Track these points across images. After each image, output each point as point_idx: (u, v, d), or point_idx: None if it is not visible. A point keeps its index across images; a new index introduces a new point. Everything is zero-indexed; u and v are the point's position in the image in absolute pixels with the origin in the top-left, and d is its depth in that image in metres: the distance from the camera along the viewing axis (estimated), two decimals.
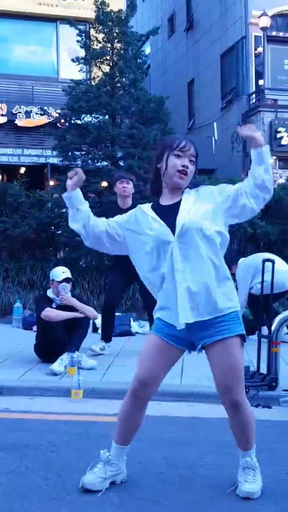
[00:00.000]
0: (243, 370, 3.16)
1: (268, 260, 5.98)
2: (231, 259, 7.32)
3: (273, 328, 5.42)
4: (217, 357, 3.09)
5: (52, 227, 10.12)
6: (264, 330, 5.78)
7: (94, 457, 3.69)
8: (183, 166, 3.09)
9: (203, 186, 3.21)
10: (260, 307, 6.22)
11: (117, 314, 7.23)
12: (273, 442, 4.18)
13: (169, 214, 3.09)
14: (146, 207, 3.23)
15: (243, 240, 9.87)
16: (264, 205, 3.13)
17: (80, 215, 3.20)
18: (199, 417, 4.74)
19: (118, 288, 6.81)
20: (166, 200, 3.18)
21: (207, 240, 3.04)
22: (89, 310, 6.29)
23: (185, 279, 3.01)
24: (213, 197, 3.13)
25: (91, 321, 6.65)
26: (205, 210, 3.09)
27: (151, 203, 3.27)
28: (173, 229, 3.05)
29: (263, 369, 5.47)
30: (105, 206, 7.27)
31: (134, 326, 8.39)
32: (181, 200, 3.14)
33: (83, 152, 10.87)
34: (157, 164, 3.18)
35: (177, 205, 3.11)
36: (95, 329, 7.92)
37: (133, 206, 6.08)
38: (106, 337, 6.75)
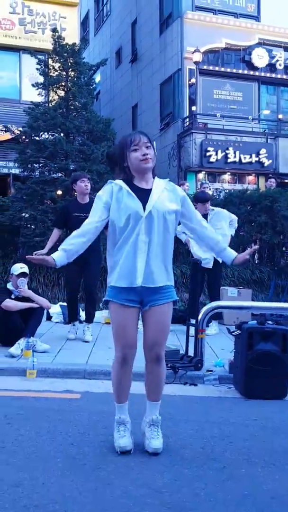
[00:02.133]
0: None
1: None
2: None
3: (199, 317, 5.49)
4: (157, 316, 3.25)
5: (13, 229, 9.95)
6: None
7: (43, 428, 3.68)
8: (143, 155, 3.17)
9: (171, 182, 3.38)
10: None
11: None
12: (195, 415, 4.25)
13: (142, 195, 3.17)
14: (121, 182, 3.24)
15: (176, 241, 9.91)
16: None
17: (76, 254, 3.25)
18: (134, 394, 4.74)
19: (75, 280, 6.73)
20: (138, 182, 3.23)
21: (166, 224, 3.19)
22: (43, 301, 6.23)
23: (145, 250, 3.13)
24: (178, 200, 3.28)
25: (45, 311, 6.58)
26: (170, 202, 3.24)
27: (121, 179, 3.27)
28: (144, 208, 3.14)
29: (191, 353, 5.55)
30: (65, 204, 7.17)
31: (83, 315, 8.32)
32: (152, 186, 3.24)
33: (40, 165, 10.72)
34: (124, 163, 3.24)
35: (149, 190, 3.21)
36: (48, 317, 7.85)
37: (91, 201, 6.05)
38: (73, 318, 6.85)
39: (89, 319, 6.79)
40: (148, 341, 3.27)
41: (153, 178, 3.30)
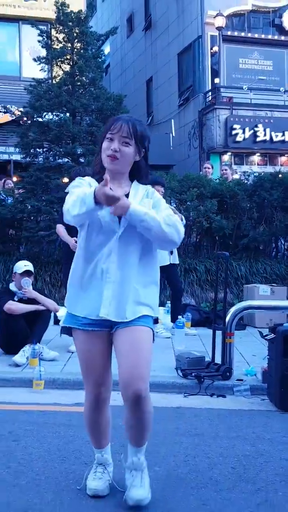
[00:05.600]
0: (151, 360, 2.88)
1: None
2: None
3: (227, 319, 5.47)
4: (131, 339, 2.81)
5: (15, 222, 10.01)
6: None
7: (54, 445, 3.71)
8: (112, 149, 2.73)
9: (155, 192, 2.95)
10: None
11: None
12: (224, 430, 4.24)
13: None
14: (90, 180, 2.87)
15: (199, 233, 9.93)
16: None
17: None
18: (155, 406, 4.74)
19: None
20: (111, 181, 2.68)
21: (144, 243, 2.83)
22: (50, 303, 6.26)
23: (115, 275, 2.78)
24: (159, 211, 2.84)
25: (52, 314, 6.61)
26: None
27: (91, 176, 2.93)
28: (119, 220, 2.77)
29: (218, 360, 5.51)
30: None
31: None
32: (129, 193, 2.85)
33: (44, 149, 10.77)
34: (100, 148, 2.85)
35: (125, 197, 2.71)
36: (56, 322, 7.88)
37: None
38: None
39: None
40: (122, 376, 2.77)
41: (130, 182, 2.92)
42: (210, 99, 17.78)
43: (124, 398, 2.77)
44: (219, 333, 5.57)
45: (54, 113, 10.69)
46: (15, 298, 6.10)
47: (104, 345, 2.89)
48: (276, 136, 17.19)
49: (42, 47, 11.55)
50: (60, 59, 11.11)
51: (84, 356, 2.94)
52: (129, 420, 2.86)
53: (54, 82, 11.41)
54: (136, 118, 2.88)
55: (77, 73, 10.89)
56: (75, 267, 2.90)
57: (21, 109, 11.43)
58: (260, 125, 17.08)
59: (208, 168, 11.86)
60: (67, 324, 2.91)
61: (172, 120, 19.65)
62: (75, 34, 10.99)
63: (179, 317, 7.30)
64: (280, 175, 10.27)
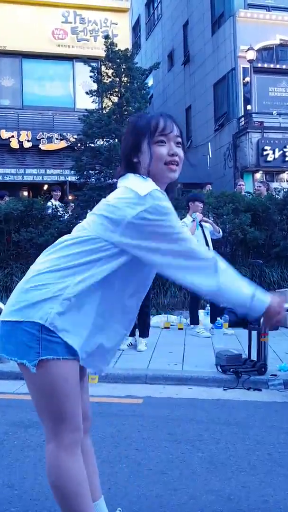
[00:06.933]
0: None
1: None
2: None
3: (261, 320, 5.40)
4: (85, 381, 2.26)
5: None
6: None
7: (107, 433, 3.71)
8: (172, 155, 1.94)
9: None
10: None
11: None
12: (260, 421, 4.18)
13: None
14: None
15: (235, 244, 9.85)
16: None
17: None
18: (198, 399, 4.73)
19: None
20: None
21: None
22: None
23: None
24: None
25: None
26: None
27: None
28: None
29: (254, 357, 5.46)
30: None
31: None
32: None
33: (96, 171, 10.89)
34: (133, 158, 1.98)
35: None
36: None
37: None
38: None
39: (143, 332, 6.60)
40: (86, 409, 2.19)
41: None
42: (243, 123, 17.66)
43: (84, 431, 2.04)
44: (254, 333, 5.52)
45: (104, 139, 10.81)
46: None
47: None
48: None
49: (94, 81, 11.72)
50: (109, 92, 11.24)
51: (76, 388, 1.94)
52: (92, 463, 2.18)
53: (104, 112, 11.53)
54: (167, 113, 2.09)
55: (125, 104, 10.99)
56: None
57: (76, 136, 11.57)
58: None
59: (242, 185, 11.77)
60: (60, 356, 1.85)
61: (209, 143, 19.57)
62: (122, 70, 11.11)
63: (218, 318, 7.25)
64: None
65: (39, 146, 16.36)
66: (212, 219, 8.64)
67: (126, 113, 11.05)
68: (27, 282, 1.92)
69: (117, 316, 1.96)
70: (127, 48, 11.78)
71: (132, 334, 6.64)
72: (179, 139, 2.00)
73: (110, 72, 11.25)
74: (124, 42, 15.18)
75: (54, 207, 10.13)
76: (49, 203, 10.25)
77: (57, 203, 10.58)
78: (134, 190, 1.84)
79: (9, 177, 16.23)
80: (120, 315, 1.97)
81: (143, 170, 1.94)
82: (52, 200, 10.56)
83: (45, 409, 1.93)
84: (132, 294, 1.98)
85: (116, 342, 2.01)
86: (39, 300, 1.86)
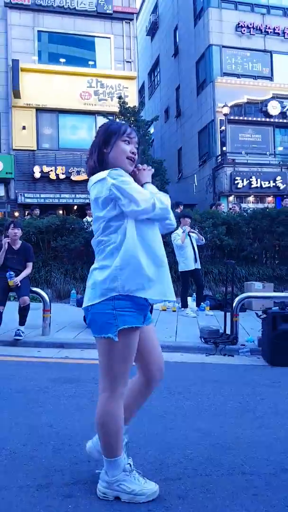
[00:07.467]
0: None
1: None
2: None
3: (234, 305, 5.39)
4: (153, 334, 2.12)
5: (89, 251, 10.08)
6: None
7: None
8: (132, 152, 1.99)
9: None
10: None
11: None
12: (233, 378, 4.16)
13: None
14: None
15: (214, 249, 9.83)
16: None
17: None
18: (187, 362, 4.73)
19: None
20: None
21: None
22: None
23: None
24: None
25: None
26: None
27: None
28: None
29: (228, 331, 5.45)
30: None
31: None
32: None
33: None
34: (104, 148, 2.00)
35: None
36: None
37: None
38: None
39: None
40: (158, 361, 2.12)
41: None
42: (220, 160, 17.60)
43: (155, 378, 2.10)
44: (228, 314, 5.52)
45: None
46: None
47: None
48: (264, 184, 16.90)
49: None
50: None
51: (133, 353, 1.94)
52: (144, 397, 2.15)
53: None
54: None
55: None
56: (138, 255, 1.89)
57: None
58: (253, 177, 16.81)
59: (222, 206, 11.71)
60: (133, 325, 1.87)
61: (195, 175, 19.51)
62: (131, 121, 11.15)
63: (202, 303, 7.23)
64: (267, 210, 10.09)
65: (71, 177, 16.37)
66: (198, 230, 8.62)
67: None
68: (90, 279, 1.97)
69: (151, 251, 1.93)
70: (135, 106, 11.84)
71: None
72: (137, 146, 2.04)
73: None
74: (132, 101, 15.19)
75: (87, 221, 10.10)
76: (84, 219, 10.22)
77: (90, 219, 10.56)
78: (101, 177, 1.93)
79: (49, 200, 16.25)
80: (151, 250, 1.93)
81: (110, 159, 1.98)
82: (87, 217, 10.53)
83: (111, 369, 1.91)
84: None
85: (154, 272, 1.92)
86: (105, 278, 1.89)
